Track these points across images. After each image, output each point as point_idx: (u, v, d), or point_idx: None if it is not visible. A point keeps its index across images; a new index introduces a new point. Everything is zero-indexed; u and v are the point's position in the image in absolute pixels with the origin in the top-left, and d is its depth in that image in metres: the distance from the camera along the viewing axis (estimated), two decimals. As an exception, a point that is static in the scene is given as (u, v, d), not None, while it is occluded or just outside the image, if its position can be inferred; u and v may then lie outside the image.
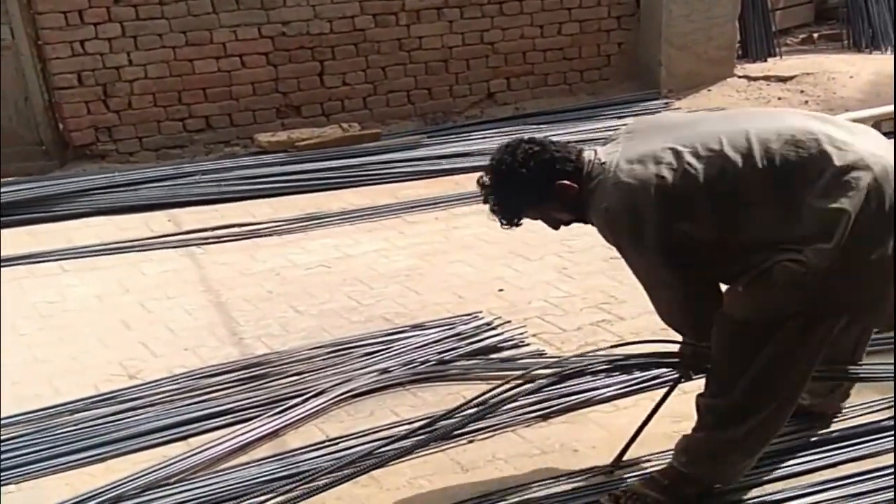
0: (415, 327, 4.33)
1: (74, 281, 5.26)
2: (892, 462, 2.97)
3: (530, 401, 3.51)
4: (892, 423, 3.24)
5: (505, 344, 4.15)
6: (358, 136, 7.44)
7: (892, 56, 8.91)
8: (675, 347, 3.09)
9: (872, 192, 2.55)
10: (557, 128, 7.56)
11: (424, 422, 3.31)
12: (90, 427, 3.62)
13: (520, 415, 3.50)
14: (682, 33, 8.51)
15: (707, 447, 2.86)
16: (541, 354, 4.04)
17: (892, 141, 2.75)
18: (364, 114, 7.99)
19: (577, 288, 4.72)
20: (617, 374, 3.54)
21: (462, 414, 3.15)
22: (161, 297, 4.96)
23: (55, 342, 4.48)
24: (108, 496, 3.15)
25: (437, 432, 3.20)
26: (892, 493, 2.87)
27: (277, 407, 3.67)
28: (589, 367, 3.13)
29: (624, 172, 2.75)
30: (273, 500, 3.02)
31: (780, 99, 8.28)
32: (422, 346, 4.10)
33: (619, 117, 7.85)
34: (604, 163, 2.83)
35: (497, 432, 3.43)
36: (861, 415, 3.35)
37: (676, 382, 3.18)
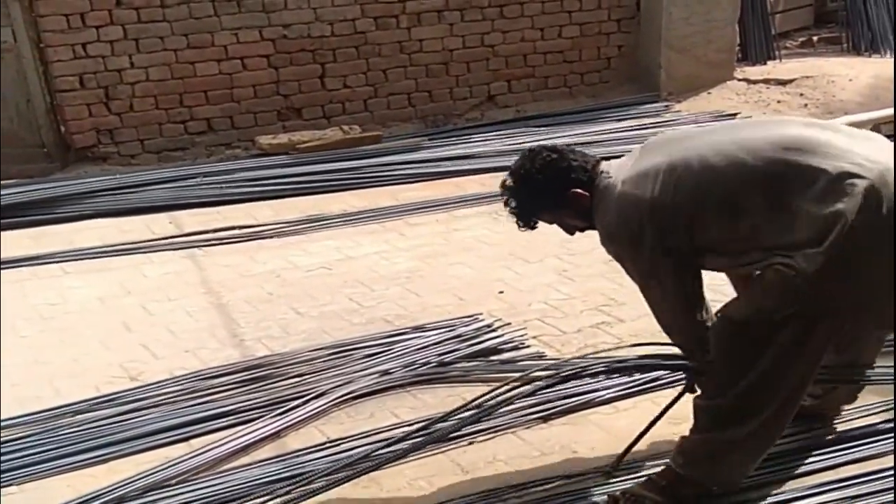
0: (415, 329, 4.33)
1: (76, 283, 5.27)
2: (892, 464, 2.97)
3: (530, 403, 3.52)
4: (892, 425, 3.25)
5: (505, 346, 4.16)
6: (359, 138, 7.46)
7: (892, 59, 8.91)
8: (675, 350, 3.10)
9: (870, 198, 2.56)
10: (558, 130, 7.56)
11: (424, 423, 3.32)
12: (92, 428, 3.63)
13: (520, 416, 3.51)
14: (682, 36, 8.52)
15: (704, 449, 2.88)
16: (541, 356, 4.05)
17: (892, 144, 2.76)
18: (365, 116, 8.00)
19: (577, 290, 4.73)
20: (617, 376, 3.56)
21: (461, 416, 3.16)
22: (162, 298, 4.97)
23: (56, 344, 4.49)
24: (111, 497, 3.16)
25: (436, 435, 3.21)
26: (893, 496, 2.88)
27: (278, 408, 3.68)
28: (588, 369, 3.15)
29: (623, 189, 2.88)
30: (274, 502, 3.03)
31: (779, 102, 8.29)
32: (422, 348, 4.11)
33: (619, 120, 7.87)
34: (610, 177, 2.96)
35: (497, 434, 3.44)
36: (861, 417, 3.35)
37: (685, 391, 3.19)
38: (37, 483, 3.34)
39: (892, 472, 2.95)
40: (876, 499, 2.91)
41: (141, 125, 7.40)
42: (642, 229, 2.80)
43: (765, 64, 9.34)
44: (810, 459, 3.14)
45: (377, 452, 3.19)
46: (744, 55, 9.38)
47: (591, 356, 3.38)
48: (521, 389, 3.09)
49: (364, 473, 3.10)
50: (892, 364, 3.32)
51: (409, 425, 3.48)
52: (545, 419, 3.53)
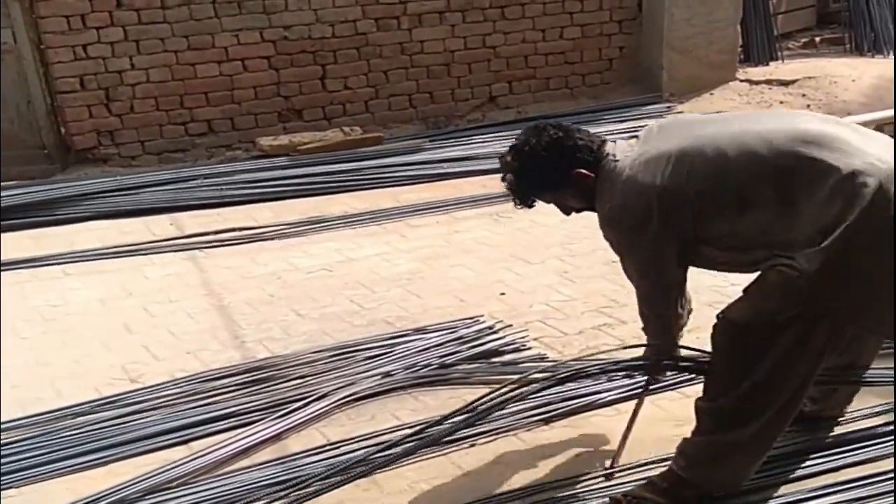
0: (416, 331, 4.33)
1: (77, 284, 5.26)
2: (893, 467, 2.96)
3: (531, 405, 3.51)
4: (892, 427, 3.24)
5: (506, 348, 4.15)
6: (360, 139, 7.45)
7: (894, 59, 8.90)
8: (678, 351, 3.10)
9: (876, 198, 2.55)
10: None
11: (425, 426, 3.29)
12: (92, 430, 3.62)
13: (521, 418, 3.50)
14: (684, 37, 8.52)
15: (707, 451, 2.87)
16: (542, 358, 4.04)
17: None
18: (366, 117, 8.00)
19: (578, 291, 4.72)
20: (618, 378, 3.56)
21: (464, 417, 3.14)
22: (163, 300, 4.97)
23: (57, 345, 4.49)
24: (111, 500, 3.15)
25: (437, 436, 3.19)
26: (893, 498, 2.87)
27: (279, 410, 3.67)
28: (589, 370, 3.14)
29: (630, 174, 2.83)
30: (275, 504, 3.03)
31: (781, 103, 8.28)
32: (423, 350, 4.10)
33: (621, 121, 7.86)
34: (617, 160, 2.90)
35: (498, 436, 3.44)
36: (862, 419, 3.34)
37: (646, 389, 3.25)
38: (36, 485, 3.34)
39: (893, 474, 2.94)
40: (877, 502, 2.90)
41: (141, 126, 7.39)
42: (647, 216, 2.76)
43: (767, 65, 9.33)
44: (811, 462, 3.13)
45: (378, 455, 3.18)
46: (746, 56, 9.36)
47: (593, 358, 3.36)
48: (523, 390, 3.07)
49: (365, 475, 3.09)
50: (893, 366, 3.31)
51: (410, 427, 3.46)
52: (546, 421, 3.52)
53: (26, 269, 5.47)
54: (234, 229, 6.00)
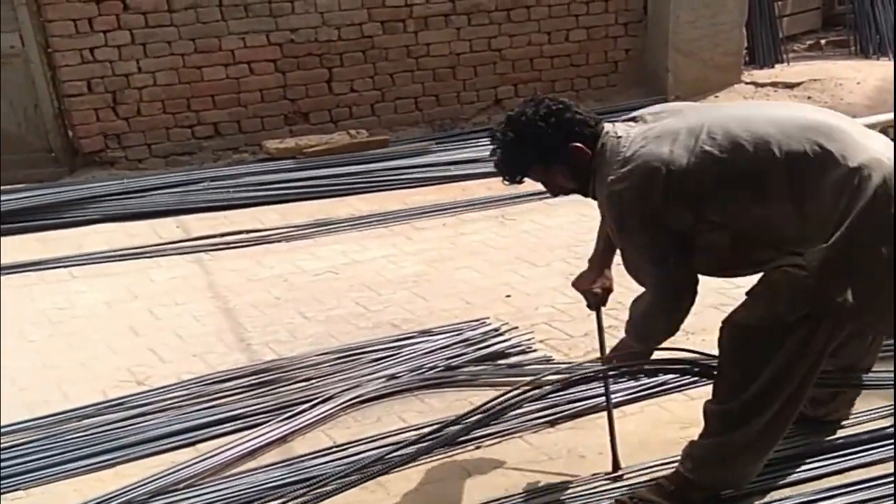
0: (422, 333, 4.33)
1: (83, 287, 5.28)
2: (893, 469, 2.96)
3: (537, 407, 3.51)
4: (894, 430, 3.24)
5: (512, 350, 4.15)
6: (366, 142, 7.46)
7: (894, 63, 8.89)
8: (682, 354, 3.10)
9: (879, 194, 2.56)
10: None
11: (437, 426, 3.28)
12: (99, 433, 3.63)
13: (527, 421, 3.50)
14: (689, 40, 8.52)
15: (714, 452, 2.86)
16: (548, 360, 4.05)
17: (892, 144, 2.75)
18: (372, 120, 8.01)
19: (584, 294, 4.71)
20: (624, 380, 3.55)
21: (472, 419, 3.14)
22: (169, 303, 4.98)
23: (64, 348, 4.50)
24: (118, 501, 3.16)
25: (445, 439, 3.20)
26: (894, 501, 2.87)
27: (285, 413, 3.68)
28: (598, 372, 3.14)
29: (639, 148, 2.74)
30: (281, 506, 3.04)
31: (787, 105, 8.28)
32: (429, 352, 4.11)
33: (627, 123, 7.85)
34: (620, 136, 2.83)
35: (504, 438, 3.44)
36: (867, 421, 3.34)
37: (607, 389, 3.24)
38: (44, 487, 3.34)
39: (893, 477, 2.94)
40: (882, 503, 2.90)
41: (148, 130, 7.41)
42: (655, 191, 2.67)
43: (772, 67, 9.33)
44: (815, 465, 3.12)
45: (385, 457, 3.18)
46: (751, 58, 9.37)
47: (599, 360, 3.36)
48: (533, 393, 3.07)
49: (371, 478, 3.09)
50: (893, 368, 3.30)
51: (416, 429, 3.47)
52: (552, 423, 3.53)
53: (33, 272, 5.49)
54: (240, 232, 6.02)
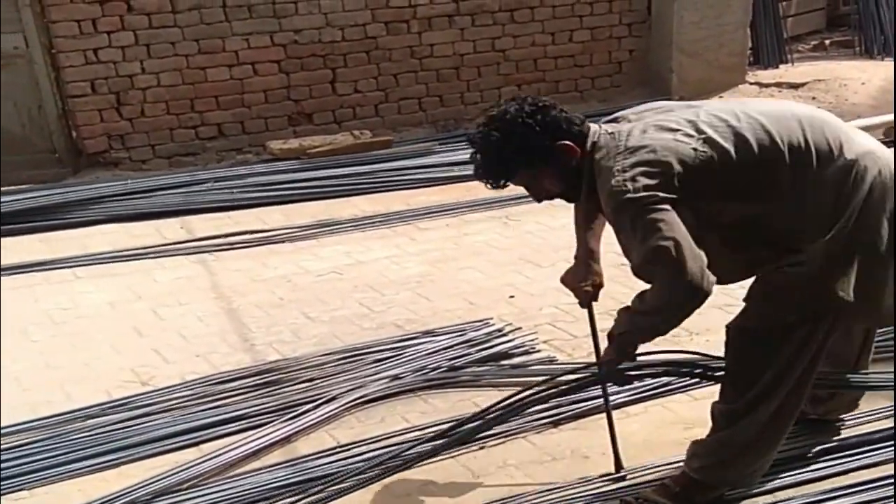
0: (426, 334, 4.33)
1: (87, 288, 5.28)
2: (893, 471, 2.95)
3: (541, 407, 3.49)
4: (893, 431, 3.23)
5: (516, 350, 4.15)
6: (369, 143, 7.46)
7: (894, 64, 8.87)
8: (684, 355, 3.10)
9: (875, 187, 2.56)
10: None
11: (448, 426, 3.27)
12: (103, 433, 3.63)
13: (530, 421, 3.50)
14: (694, 40, 8.51)
15: (719, 452, 2.86)
16: (551, 361, 4.04)
17: (887, 149, 2.76)
18: (376, 121, 8.01)
19: (587, 295, 4.71)
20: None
21: (488, 419, 3.11)
22: (173, 303, 4.98)
23: (68, 348, 4.51)
24: (122, 501, 3.16)
25: (451, 439, 3.19)
26: (894, 502, 2.86)
27: (289, 413, 3.68)
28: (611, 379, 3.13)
29: (641, 138, 2.62)
30: (284, 506, 3.04)
31: (791, 106, 8.26)
32: (433, 353, 4.11)
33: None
34: (612, 133, 2.72)
35: (508, 439, 3.44)
36: (871, 421, 3.33)
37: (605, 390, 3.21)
38: (48, 487, 3.34)
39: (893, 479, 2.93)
40: (886, 504, 2.90)
41: (152, 130, 7.42)
42: (661, 178, 2.54)
43: (777, 67, 9.32)
44: (817, 466, 3.12)
45: (391, 457, 3.18)
46: (755, 59, 9.36)
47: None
48: (554, 391, 3.07)
49: (375, 479, 3.09)
50: (893, 370, 3.30)
51: (419, 430, 3.47)
52: (556, 424, 3.52)
53: (37, 273, 5.50)
54: (244, 232, 6.02)
